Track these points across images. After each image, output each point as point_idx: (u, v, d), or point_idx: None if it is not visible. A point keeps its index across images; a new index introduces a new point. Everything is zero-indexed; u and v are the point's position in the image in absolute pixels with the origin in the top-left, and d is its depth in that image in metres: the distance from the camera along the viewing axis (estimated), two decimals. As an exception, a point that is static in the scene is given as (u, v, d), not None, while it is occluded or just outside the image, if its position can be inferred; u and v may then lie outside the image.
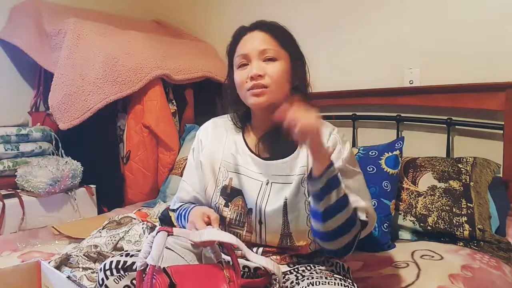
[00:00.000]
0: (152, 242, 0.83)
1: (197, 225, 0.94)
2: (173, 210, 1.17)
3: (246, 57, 1.02)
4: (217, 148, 1.10)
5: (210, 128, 1.15)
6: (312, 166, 0.88)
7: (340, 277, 0.90)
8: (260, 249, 1.03)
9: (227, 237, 0.87)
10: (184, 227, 1.05)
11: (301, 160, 1.01)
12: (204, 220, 0.96)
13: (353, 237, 0.93)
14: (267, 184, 1.02)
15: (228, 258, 0.93)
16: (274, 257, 1.03)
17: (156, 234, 0.84)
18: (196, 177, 1.12)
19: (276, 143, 1.04)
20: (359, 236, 0.96)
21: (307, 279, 0.90)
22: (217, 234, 0.89)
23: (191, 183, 1.13)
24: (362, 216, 0.96)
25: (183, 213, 1.08)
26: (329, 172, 0.87)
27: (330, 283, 0.86)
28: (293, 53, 1.05)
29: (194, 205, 1.09)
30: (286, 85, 1.03)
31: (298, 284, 0.90)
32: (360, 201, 0.96)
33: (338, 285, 0.86)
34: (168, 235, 0.85)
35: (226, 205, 1.06)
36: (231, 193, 1.05)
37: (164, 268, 0.84)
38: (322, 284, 0.86)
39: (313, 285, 0.86)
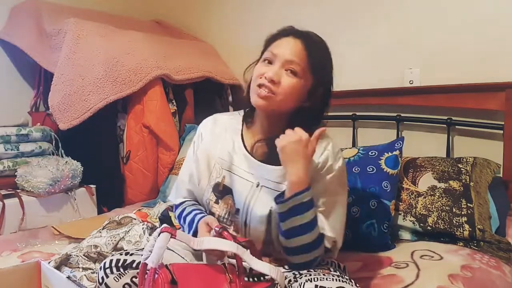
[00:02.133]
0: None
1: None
2: (173, 207, 1.17)
3: (274, 56, 1.01)
4: (215, 145, 1.11)
5: (210, 123, 1.16)
6: (286, 185, 0.93)
7: (337, 273, 0.91)
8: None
9: (228, 246, 0.86)
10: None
11: None
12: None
13: (313, 258, 0.97)
14: (257, 186, 1.03)
15: (232, 261, 0.93)
16: (268, 258, 1.03)
17: (159, 235, 0.84)
18: (194, 170, 1.12)
19: (272, 148, 1.03)
20: (320, 258, 1.00)
21: (305, 276, 0.90)
22: (217, 243, 0.88)
23: (188, 175, 1.14)
24: (327, 244, 0.99)
25: (187, 217, 1.08)
26: (296, 199, 0.92)
27: (328, 278, 0.87)
28: (319, 80, 1.03)
29: (199, 214, 1.07)
30: (294, 101, 1.02)
31: (297, 281, 0.90)
32: (329, 231, 0.99)
33: (336, 280, 0.86)
34: (171, 238, 0.84)
35: (216, 202, 1.07)
36: (223, 191, 1.06)
37: (166, 265, 0.84)
38: (320, 280, 0.87)
39: (311, 281, 0.87)
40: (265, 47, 1.07)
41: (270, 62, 1.02)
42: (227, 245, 0.86)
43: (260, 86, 1.01)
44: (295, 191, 0.92)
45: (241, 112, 1.15)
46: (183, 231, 1.07)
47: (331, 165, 1.02)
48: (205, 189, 1.09)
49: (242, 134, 1.11)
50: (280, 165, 1.01)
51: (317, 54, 1.02)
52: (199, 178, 1.11)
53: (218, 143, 1.10)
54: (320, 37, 1.06)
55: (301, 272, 0.95)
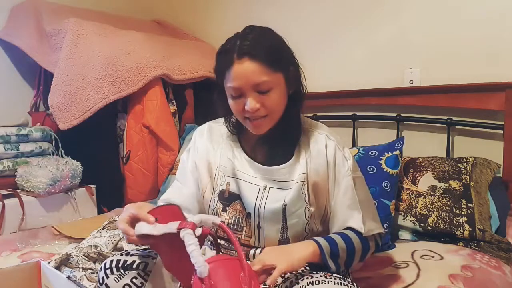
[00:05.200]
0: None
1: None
2: None
3: (240, 90, 0.96)
4: (214, 153, 1.09)
5: (206, 132, 1.13)
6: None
7: (339, 276, 0.90)
8: (258, 250, 1.02)
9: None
10: None
11: (300, 166, 1.01)
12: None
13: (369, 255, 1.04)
14: (264, 188, 1.02)
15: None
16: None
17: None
18: (192, 181, 1.10)
19: (271, 148, 1.03)
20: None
21: (307, 278, 0.90)
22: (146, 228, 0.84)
23: (187, 186, 1.10)
24: (378, 240, 1.05)
25: None
26: (327, 258, 0.94)
27: (329, 282, 0.86)
28: (286, 68, 0.99)
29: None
30: (283, 104, 1.00)
31: (298, 283, 0.90)
32: (376, 228, 1.02)
33: (338, 284, 0.86)
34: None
35: (224, 210, 1.05)
36: (229, 198, 1.05)
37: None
38: (321, 283, 0.86)
39: (312, 284, 0.86)
40: (219, 77, 1.02)
41: (238, 96, 0.97)
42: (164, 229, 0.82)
43: (247, 119, 0.99)
44: (317, 258, 0.94)
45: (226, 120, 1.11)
46: None
47: (343, 155, 1.02)
48: (210, 199, 1.07)
49: (239, 139, 1.09)
50: (285, 161, 1.01)
51: (269, 53, 0.95)
52: (203, 188, 1.08)
53: (217, 151, 1.09)
54: (261, 28, 1.00)
55: (303, 273, 0.95)
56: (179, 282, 0.91)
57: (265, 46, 0.96)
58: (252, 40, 0.95)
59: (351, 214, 1.00)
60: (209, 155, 1.09)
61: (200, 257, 0.77)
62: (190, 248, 0.77)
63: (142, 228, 0.85)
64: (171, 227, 0.82)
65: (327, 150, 1.01)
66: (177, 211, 0.88)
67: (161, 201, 1.11)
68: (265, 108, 0.97)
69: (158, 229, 0.83)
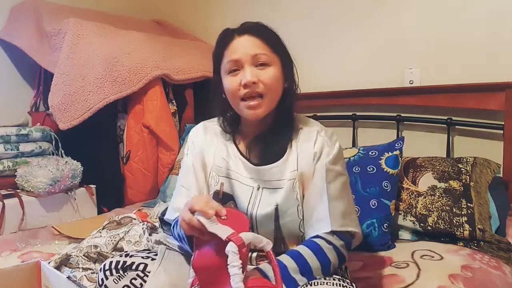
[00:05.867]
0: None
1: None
2: (164, 222, 1.10)
3: (238, 62, 0.98)
4: (208, 152, 1.08)
5: (201, 131, 1.12)
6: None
7: (338, 277, 0.90)
8: (254, 254, 1.00)
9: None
10: (180, 235, 0.97)
11: (291, 164, 1.00)
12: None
13: (341, 262, 0.97)
14: (258, 189, 1.01)
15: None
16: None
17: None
18: (194, 183, 1.09)
19: (265, 147, 1.03)
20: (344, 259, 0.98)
21: None
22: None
23: (194, 189, 1.08)
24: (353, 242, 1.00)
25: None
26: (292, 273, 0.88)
27: (328, 283, 0.86)
28: (283, 56, 1.02)
29: None
30: (279, 89, 1.01)
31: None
32: (349, 224, 0.97)
33: (337, 285, 0.85)
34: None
35: None
36: (223, 198, 1.04)
37: None
38: (320, 284, 0.86)
39: (311, 285, 0.86)
40: (216, 62, 1.04)
41: (236, 70, 0.99)
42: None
43: (245, 98, 0.98)
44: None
45: (218, 120, 1.11)
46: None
47: (329, 150, 1.00)
48: None
49: (233, 139, 1.09)
50: (276, 160, 1.01)
51: (268, 36, 1.01)
52: (200, 188, 1.07)
53: (211, 150, 1.08)
54: (254, 22, 1.04)
55: None
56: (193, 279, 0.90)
57: (266, 30, 1.03)
58: (252, 23, 1.03)
59: (316, 207, 0.97)
60: (204, 155, 1.08)
61: (241, 283, 0.74)
62: (232, 270, 0.75)
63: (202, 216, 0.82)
64: (223, 232, 0.79)
65: (315, 146, 1.01)
66: (245, 222, 0.86)
67: (173, 212, 1.08)
68: (262, 83, 0.97)
69: (211, 226, 0.80)
